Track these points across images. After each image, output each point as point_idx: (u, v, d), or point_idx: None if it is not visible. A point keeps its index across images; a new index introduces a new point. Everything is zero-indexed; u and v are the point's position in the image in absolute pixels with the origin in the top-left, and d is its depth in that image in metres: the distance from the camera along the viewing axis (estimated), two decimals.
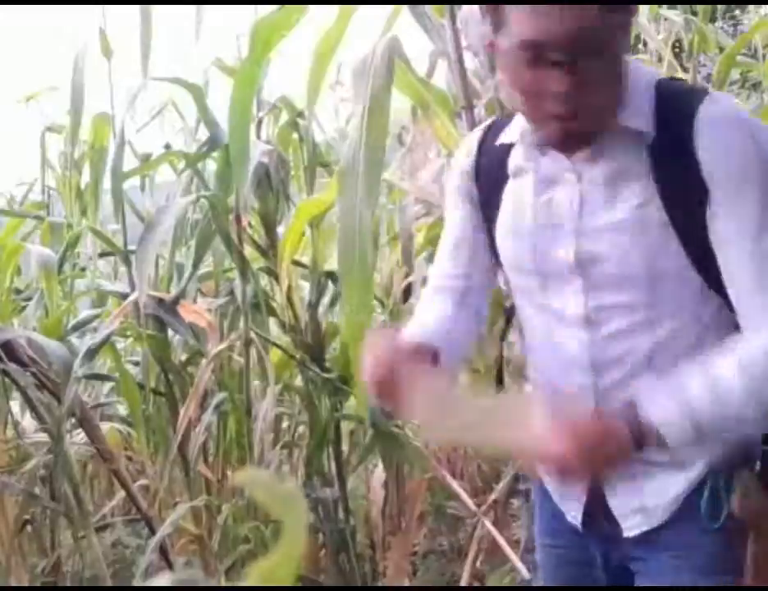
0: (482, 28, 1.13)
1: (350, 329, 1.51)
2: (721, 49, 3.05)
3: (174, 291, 2.67)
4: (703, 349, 1.08)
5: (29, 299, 2.89)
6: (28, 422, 2.75)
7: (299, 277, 2.83)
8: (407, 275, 2.89)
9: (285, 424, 3.08)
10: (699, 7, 3.10)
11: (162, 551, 2.50)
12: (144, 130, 3.23)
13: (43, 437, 2.56)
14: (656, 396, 1.04)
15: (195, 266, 2.60)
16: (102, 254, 3.15)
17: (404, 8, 1.90)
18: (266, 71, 2.48)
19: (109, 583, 2.48)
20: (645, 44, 3.46)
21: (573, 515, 1.25)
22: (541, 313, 1.20)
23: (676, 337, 1.11)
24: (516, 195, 1.19)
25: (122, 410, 3.03)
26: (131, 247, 2.67)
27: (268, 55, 1.97)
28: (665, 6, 3.39)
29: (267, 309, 2.64)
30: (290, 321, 2.66)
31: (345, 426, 2.95)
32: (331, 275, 2.78)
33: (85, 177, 3.02)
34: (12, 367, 2.37)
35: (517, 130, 1.17)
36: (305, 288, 2.79)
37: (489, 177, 1.23)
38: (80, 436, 2.74)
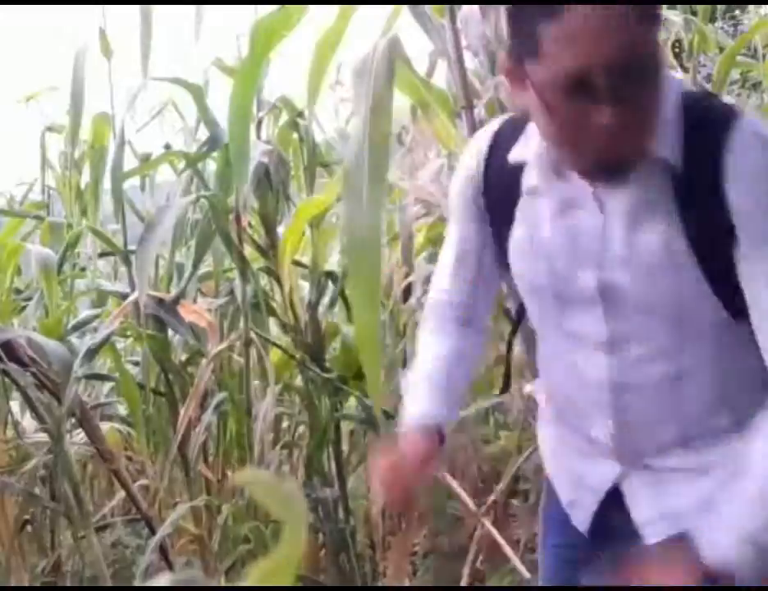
0: (501, 56, 1.07)
1: (360, 330, 1.50)
2: (721, 49, 3.05)
3: (174, 291, 2.67)
4: (724, 371, 1.10)
5: (29, 299, 2.89)
6: (28, 422, 2.75)
7: (299, 277, 2.83)
8: (407, 275, 2.89)
9: (285, 424, 3.08)
10: (699, 7, 3.10)
11: (162, 551, 2.50)
12: (144, 130, 3.23)
13: (43, 437, 2.56)
14: (713, 535, 1.04)
15: (195, 266, 2.60)
16: (102, 254, 3.15)
17: (404, 8, 1.90)
18: (266, 71, 2.48)
19: (109, 583, 2.48)
20: None
21: (581, 521, 1.25)
22: (558, 333, 1.18)
23: (697, 361, 1.11)
24: (531, 216, 1.15)
25: (122, 410, 3.03)
26: (131, 247, 2.67)
27: (268, 55, 1.97)
28: (665, 6, 3.38)
29: (267, 309, 2.64)
30: (290, 321, 2.66)
31: (345, 426, 2.95)
32: (330, 275, 2.78)
33: (85, 177, 3.02)
34: (12, 367, 2.37)
35: (530, 147, 1.12)
36: (305, 288, 2.79)
37: (499, 192, 1.18)
38: (79, 436, 2.73)
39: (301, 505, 0.33)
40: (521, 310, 1.29)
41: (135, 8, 2.51)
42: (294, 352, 2.68)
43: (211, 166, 2.80)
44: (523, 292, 1.22)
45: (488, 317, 1.35)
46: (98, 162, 2.81)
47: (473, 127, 1.84)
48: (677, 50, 3.53)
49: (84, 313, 3.00)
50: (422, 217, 2.91)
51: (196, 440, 2.55)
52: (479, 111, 2.03)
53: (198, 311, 2.61)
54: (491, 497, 2.38)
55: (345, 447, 2.93)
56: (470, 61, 2.09)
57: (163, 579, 0.35)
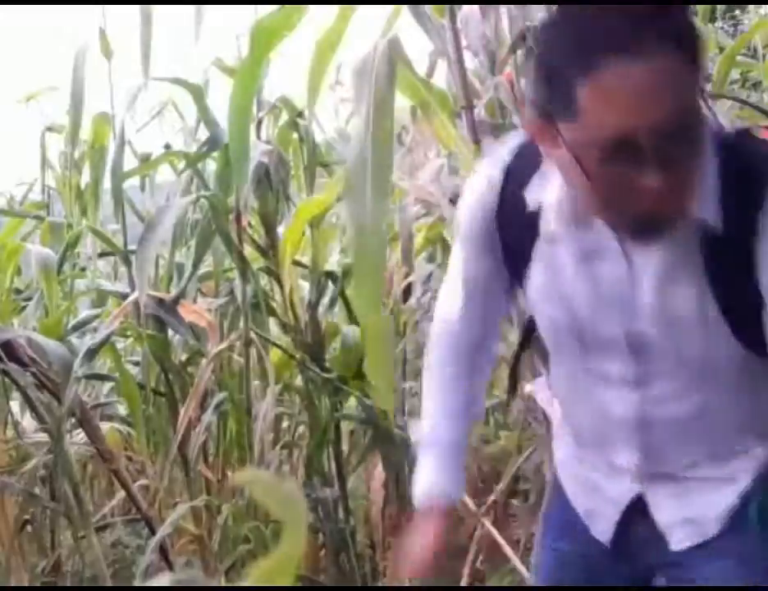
0: (527, 111, 1.01)
1: (367, 330, 1.49)
2: (721, 49, 3.05)
3: (174, 291, 2.67)
4: (750, 398, 1.10)
5: (29, 299, 2.89)
6: (28, 422, 2.75)
7: (299, 277, 2.83)
8: (407, 275, 2.89)
9: (285, 424, 3.08)
10: (699, 7, 3.10)
11: (162, 551, 2.50)
12: (144, 130, 3.23)
13: (43, 437, 2.56)
14: None
15: (195, 266, 2.60)
16: (102, 254, 3.15)
17: (404, 8, 1.90)
18: (266, 71, 2.48)
19: (109, 583, 2.48)
20: None
21: (602, 531, 1.22)
22: (579, 368, 1.16)
23: (725, 395, 1.10)
24: (550, 260, 1.10)
25: (122, 410, 3.03)
26: (131, 247, 2.67)
27: (268, 55, 1.97)
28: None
29: (267, 309, 2.64)
30: (290, 321, 2.66)
31: (345, 426, 2.95)
32: (330, 275, 2.78)
33: (85, 177, 3.02)
34: (12, 367, 2.37)
35: (548, 190, 1.06)
36: (305, 288, 2.79)
37: (515, 231, 1.12)
38: (79, 436, 2.73)
39: (301, 505, 0.33)
40: (531, 324, 1.25)
41: (135, 8, 2.51)
42: (294, 352, 2.68)
43: (211, 166, 2.80)
44: (542, 329, 1.19)
45: (497, 340, 1.32)
46: (98, 162, 2.81)
47: (473, 127, 1.84)
48: None
49: (84, 313, 3.00)
50: (422, 217, 2.91)
51: (196, 440, 2.55)
52: (479, 111, 2.03)
53: (198, 311, 2.61)
54: (491, 497, 2.38)
55: (345, 447, 2.93)
56: (470, 61, 2.09)
57: (163, 579, 0.35)
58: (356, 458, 2.97)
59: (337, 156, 3.02)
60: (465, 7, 2.02)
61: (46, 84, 3.50)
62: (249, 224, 2.65)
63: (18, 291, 3.07)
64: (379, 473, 2.80)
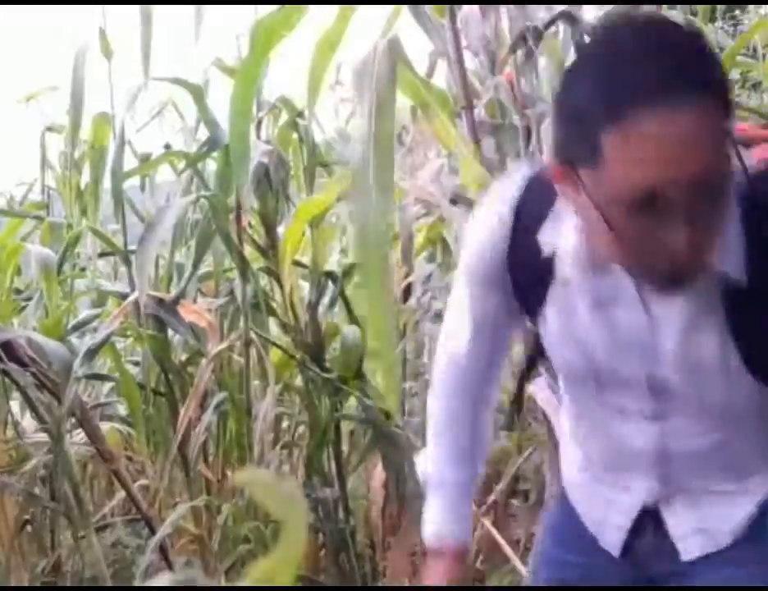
0: (548, 150, 1.00)
1: (372, 331, 1.49)
2: (721, 49, 3.05)
3: (174, 291, 2.67)
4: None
5: (29, 299, 2.89)
6: (28, 422, 2.75)
7: (299, 277, 2.84)
8: (407, 275, 2.90)
9: (285, 424, 3.08)
10: (699, 7, 3.10)
11: (162, 551, 2.50)
12: (144, 130, 3.23)
13: (43, 437, 2.56)
14: None
15: (195, 266, 2.60)
16: (102, 254, 3.15)
17: (404, 8, 1.90)
18: (266, 71, 2.48)
19: (109, 583, 2.48)
20: None
21: (611, 541, 1.21)
22: (595, 403, 1.14)
23: (745, 432, 1.10)
24: (566, 304, 1.06)
25: (122, 410, 3.03)
26: (131, 247, 2.67)
27: (268, 55, 1.97)
28: (665, 6, 3.38)
29: (267, 309, 2.64)
30: (290, 321, 2.66)
31: (345, 426, 2.95)
32: (330, 275, 2.78)
33: (85, 177, 3.02)
34: (12, 367, 2.37)
35: (562, 234, 1.02)
36: (305, 288, 2.79)
37: (529, 273, 1.08)
38: (79, 436, 2.73)
39: (301, 505, 0.33)
40: (537, 345, 1.21)
41: (135, 8, 2.51)
42: (294, 352, 2.68)
43: (211, 166, 2.80)
44: (557, 366, 1.17)
45: (502, 368, 1.30)
46: (98, 162, 2.81)
47: (473, 127, 1.84)
48: None
49: (84, 313, 3.00)
50: (422, 217, 2.91)
51: (196, 440, 2.55)
52: (479, 111, 2.03)
53: (198, 311, 2.61)
54: (491, 497, 2.38)
55: (345, 447, 2.93)
56: (470, 61, 2.09)
57: (163, 579, 0.35)
58: (356, 458, 2.97)
59: (337, 156, 3.02)
60: (465, 7, 2.02)
61: (46, 84, 3.50)
62: (249, 224, 2.65)
63: (18, 291, 3.07)
64: (379, 473, 2.80)
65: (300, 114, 2.76)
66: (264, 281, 2.82)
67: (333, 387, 2.65)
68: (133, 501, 2.63)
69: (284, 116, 2.87)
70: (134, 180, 3.30)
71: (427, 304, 2.91)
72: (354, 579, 2.70)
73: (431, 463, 1.28)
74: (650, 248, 0.89)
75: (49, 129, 3.48)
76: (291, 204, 2.76)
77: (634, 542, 1.19)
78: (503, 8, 2.05)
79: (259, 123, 2.75)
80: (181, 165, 2.96)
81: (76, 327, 2.81)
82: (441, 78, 2.43)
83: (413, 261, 2.91)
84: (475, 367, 1.24)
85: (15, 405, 2.71)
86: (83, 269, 3.24)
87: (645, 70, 0.84)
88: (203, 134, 2.86)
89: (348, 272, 2.81)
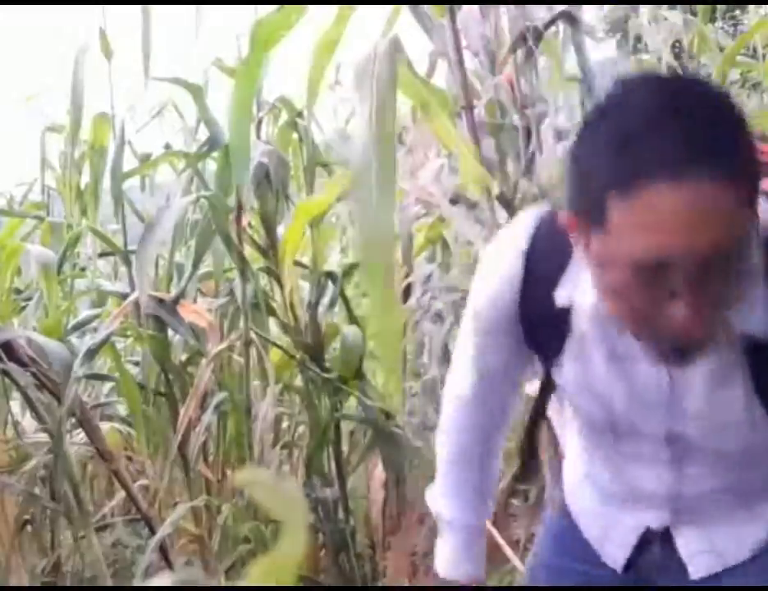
0: (563, 200, 0.90)
1: (379, 331, 1.49)
2: (721, 49, 3.05)
3: (174, 291, 2.67)
4: None
5: (29, 299, 2.89)
6: (28, 422, 2.75)
7: (299, 277, 2.84)
8: (407, 275, 2.90)
9: (285, 424, 3.08)
10: (699, 7, 3.10)
11: (162, 551, 2.50)
12: (144, 130, 3.23)
13: (43, 437, 2.56)
14: None
15: (195, 266, 2.60)
16: (102, 254, 3.15)
17: (404, 8, 1.90)
18: (266, 70, 2.48)
19: (109, 583, 2.48)
20: (645, 45, 3.46)
21: (613, 556, 1.20)
22: (611, 450, 1.13)
23: (762, 471, 1.09)
24: (583, 356, 1.03)
25: (122, 410, 3.03)
26: (131, 247, 2.67)
27: (268, 55, 1.97)
28: (665, 6, 3.39)
29: (267, 309, 2.64)
30: (290, 321, 2.66)
31: (345, 426, 2.95)
32: (330, 275, 2.78)
33: (85, 177, 3.02)
34: (12, 367, 2.37)
35: (579, 290, 0.98)
36: (305, 288, 2.79)
37: (544, 326, 1.04)
38: (80, 436, 2.73)
39: (301, 505, 0.33)
40: (547, 385, 1.19)
41: (135, 8, 2.51)
42: (294, 352, 2.68)
43: (211, 166, 2.80)
44: (574, 413, 1.15)
45: (513, 407, 1.28)
46: (98, 162, 2.81)
47: (473, 127, 1.84)
48: (677, 50, 3.53)
49: (84, 313, 3.00)
50: (422, 217, 2.91)
51: (196, 440, 2.55)
52: (479, 111, 2.03)
53: (198, 311, 2.61)
54: None
55: (345, 447, 2.93)
56: (470, 61, 2.09)
57: (163, 579, 0.35)
58: (356, 458, 2.97)
59: (337, 156, 3.02)
60: (465, 7, 2.02)
61: (46, 84, 3.50)
62: (249, 224, 2.65)
63: (18, 291, 3.07)
64: (379, 473, 2.80)
65: (300, 114, 2.76)
66: (264, 281, 2.82)
67: (333, 387, 2.65)
68: (133, 501, 2.63)
69: (284, 116, 2.87)
70: (135, 180, 3.30)
71: (427, 304, 2.91)
72: (354, 579, 2.70)
73: (441, 499, 1.28)
74: (650, 319, 0.85)
75: (49, 129, 3.48)
76: (291, 204, 2.76)
77: (639, 559, 1.18)
78: (503, 8, 2.05)
79: (259, 123, 2.75)
80: (181, 165, 2.96)
81: (76, 327, 2.81)
82: (441, 78, 2.43)
83: (413, 261, 2.91)
84: (483, 409, 1.23)
85: (15, 405, 2.71)
86: (83, 269, 3.24)
87: (662, 136, 0.79)
88: (203, 134, 2.86)
89: (348, 272, 2.81)
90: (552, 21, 1.96)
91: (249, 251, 2.59)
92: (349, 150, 1.58)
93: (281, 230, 2.65)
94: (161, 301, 2.57)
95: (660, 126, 0.80)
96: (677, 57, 3.44)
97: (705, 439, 1.03)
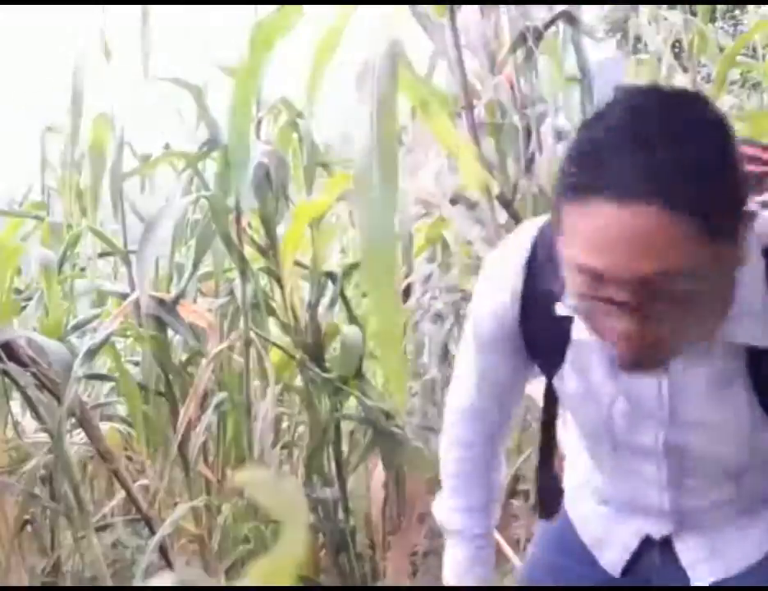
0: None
1: (381, 331, 1.48)
2: (721, 49, 3.05)
3: (174, 291, 2.67)
4: None
5: (29, 299, 2.89)
6: (28, 422, 2.75)
7: (299, 277, 2.83)
8: (406, 275, 2.90)
9: (285, 424, 3.08)
10: (699, 7, 3.10)
11: (162, 551, 2.50)
12: (144, 130, 3.23)
13: (43, 437, 2.56)
14: None
15: (195, 266, 2.60)
16: (102, 254, 3.15)
17: (405, 8, 1.90)
18: (266, 70, 2.48)
19: (109, 583, 2.48)
20: (645, 45, 3.46)
21: (612, 561, 1.19)
22: (611, 463, 1.13)
23: (761, 476, 1.08)
24: (583, 365, 1.04)
25: (122, 410, 3.03)
26: (131, 247, 2.67)
27: (268, 55, 1.97)
28: (665, 6, 3.39)
29: (267, 309, 2.64)
30: (290, 321, 2.66)
31: (345, 426, 2.95)
32: (330, 275, 2.78)
33: (85, 177, 3.02)
34: (12, 367, 2.37)
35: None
36: (305, 288, 2.79)
37: (544, 336, 1.05)
38: (80, 436, 2.73)
39: (301, 505, 0.33)
40: (551, 393, 1.18)
41: (135, 8, 2.51)
42: (294, 352, 2.68)
43: (211, 166, 2.80)
44: (575, 423, 1.15)
45: (515, 416, 1.31)
46: (98, 162, 2.81)
47: (473, 127, 1.84)
48: (677, 50, 3.53)
49: (84, 313, 3.00)
50: (422, 217, 2.91)
51: (196, 440, 2.55)
52: (479, 111, 2.03)
53: (198, 311, 2.61)
54: None
55: (345, 447, 2.93)
56: (470, 61, 2.09)
57: (165, 578, 0.35)
58: (356, 458, 2.97)
59: (337, 156, 3.02)
60: (465, 7, 2.02)
61: (46, 84, 3.49)
62: (249, 224, 2.65)
63: (18, 291, 3.07)
64: (379, 473, 2.80)
65: (300, 114, 2.76)
66: (264, 281, 2.82)
67: (333, 387, 2.65)
68: (133, 501, 2.63)
69: (284, 116, 2.87)
70: (135, 180, 3.30)
71: (427, 304, 2.91)
72: (354, 579, 2.70)
73: (449, 510, 1.29)
74: (601, 326, 0.87)
75: (49, 129, 3.48)
76: (291, 204, 2.76)
77: (638, 565, 1.17)
78: (503, 8, 2.05)
79: (259, 123, 2.75)
80: (181, 165, 2.95)
81: (76, 327, 2.81)
82: (441, 78, 2.43)
83: (413, 261, 2.91)
84: (487, 421, 1.24)
85: (15, 405, 2.71)
86: (83, 269, 3.23)
87: (615, 156, 0.79)
88: (203, 134, 2.86)
89: (348, 272, 2.81)
90: (552, 21, 1.96)
91: (249, 251, 2.59)
92: (351, 151, 1.58)
93: (281, 230, 2.65)
94: (161, 301, 2.57)
95: (622, 145, 0.79)
96: (677, 57, 3.44)
97: (704, 449, 1.02)
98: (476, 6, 2.05)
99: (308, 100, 1.96)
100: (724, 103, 2.89)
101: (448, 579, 1.29)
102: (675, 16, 3.12)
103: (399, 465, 2.70)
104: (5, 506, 2.54)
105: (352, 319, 2.82)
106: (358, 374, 2.66)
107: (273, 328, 2.81)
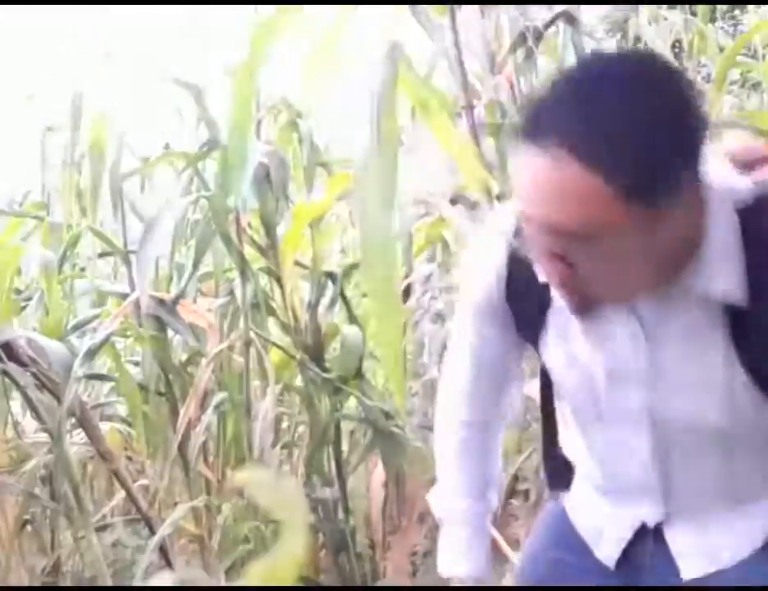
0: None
1: (381, 331, 1.49)
2: (721, 49, 3.05)
3: (174, 291, 2.67)
4: None
5: (29, 299, 2.89)
6: (28, 422, 2.75)
7: (299, 277, 2.83)
8: (406, 275, 2.90)
9: (285, 424, 3.08)
10: (699, 7, 3.10)
11: (162, 551, 2.50)
12: (144, 130, 3.23)
13: (43, 437, 2.56)
14: None
15: (195, 266, 2.60)
16: (102, 254, 3.15)
17: (405, 8, 1.90)
18: (266, 70, 2.48)
19: (109, 583, 2.48)
20: (645, 45, 3.46)
21: (607, 553, 1.20)
22: (601, 442, 1.14)
23: (749, 454, 1.08)
24: (564, 329, 1.06)
25: (122, 410, 3.03)
26: (131, 247, 2.67)
27: (268, 55, 1.97)
28: (664, 6, 3.39)
29: (267, 309, 2.64)
30: (290, 321, 2.66)
31: (345, 426, 2.95)
32: (330, 275, 2.78)
33: (85, 177, 3.02)
34: (12, 367, 2.37)
35: None
36: (305, 288, 2.79)
37: (528, 302, 1.08)
38: (80, 436, 2.73)
39: (301, 505, 0.33)
40: (544, 382, 1.21)
41: (135, 8, 2.52)
42: (294, 352, 2.68)
43: (211, 166, 2.80)
44: (562, 393, 1.16)
45: (510, 395, 1.29)
46: (98, 162, 2.81)
47: (473, 127, 1.85)
48: (677, 50, 3.53)
49: (84, 313, 3.00)
50: (422, 217, 2.91)
51: (196, 440, 2.55)
52: (479, 111, 2.03)
53: (198, 311, 2.61)
54: None
55: (345, 447, 2.93)
56: (470, 61, 2.09)
57: (165, 578, 0.35)
58: (356, 458, 2.97)
59: (337, 156, 3.02)
60: (465, 7, 2.02)
61: (46, 84, 3.50)
62: (249, 224, 2.65)
63: (18, 291, 3.07)
64: (379, 473, 2.80)
65: (300, 114, 2.76)
66: (264, 281, 2.82)
67: (333, 387, 2.65)
68: (133, 501, 2.63)
69: (284, 116, 2.87)
70: (134, 180, 3.30)
71: (427, 304, 2.91)
72: (354, 579, 2.70)
73: (445, 494, 1.29)
74: (550, 280, 0.92)
75: (49, 129, 3.48)
76: (291, 204, 2.76)
77: (631, 556, 1.18)
78: (503, 8, 2.05)
79: (259, 123, 2.75)
80: (181, 165, 2.95)
81: (76, 327, 2.81)
82: (441, 78, 2.43)
83: (413, 261, 2.91)
84: (483, 401, 1.24)
85: (15, 405, 2.71)
86: (83, 269, 3.23)
87: (544, 107, 0.83)
88: (204, 134, 2.86)
89: (348, 272, 2.81)
90: (552, 21, 1.97)
91: (249, 251, 2.59)
92: (352, 151, 1.59)
93: (281, 230, 2.65)
94: (161, 301, 2.57)
95: (554, 98, 0.83)
96: (677, 57, 3.44)
97: (686, 414, 1.03)
98: (476, 6, 2.06)
99: (308, 100, 1.96)
100: (724, 103, 2.89)
101: (442, 567, 1.27)
102: (675, 15, 3.12)
103: (399, 465, 2.70)
104: (5, 506, 2.55)
105: (352, 319, 2.82)
106: (358, 374, 2.66)
107: (273, 328, 2.81)
